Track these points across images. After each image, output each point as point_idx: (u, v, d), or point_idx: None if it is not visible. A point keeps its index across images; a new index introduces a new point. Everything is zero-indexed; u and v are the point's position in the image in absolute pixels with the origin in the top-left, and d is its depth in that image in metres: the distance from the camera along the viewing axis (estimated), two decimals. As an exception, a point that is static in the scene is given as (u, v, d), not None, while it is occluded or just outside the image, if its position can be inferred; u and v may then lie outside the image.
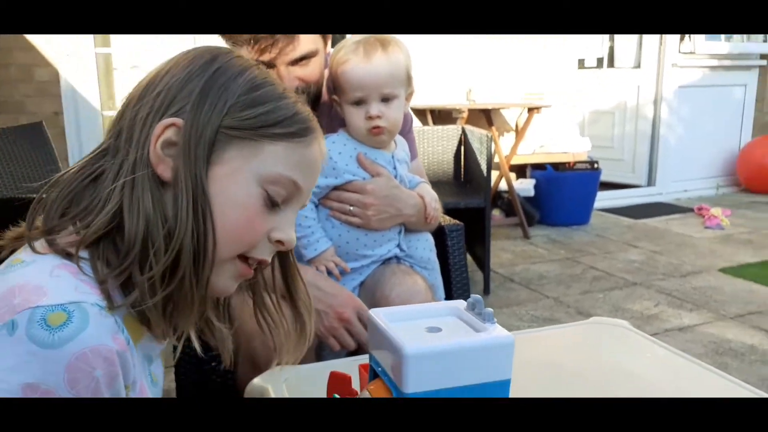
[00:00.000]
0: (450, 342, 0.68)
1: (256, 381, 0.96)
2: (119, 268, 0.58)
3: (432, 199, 1.35)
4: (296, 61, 1.19)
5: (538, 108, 3.62)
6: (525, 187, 3.89)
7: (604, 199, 4.36)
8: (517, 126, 4.11)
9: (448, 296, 1.54)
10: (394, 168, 1.32)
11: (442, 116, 3.70)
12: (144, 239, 0.59)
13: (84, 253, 0.59)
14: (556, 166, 3.91)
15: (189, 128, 0.61)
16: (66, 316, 0.52)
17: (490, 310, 0.71)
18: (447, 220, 1.61)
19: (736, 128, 5.01)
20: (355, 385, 0.80)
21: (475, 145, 2.89)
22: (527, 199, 3.90)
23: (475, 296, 0.73)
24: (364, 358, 0.98)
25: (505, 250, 3.41)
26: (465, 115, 3.53)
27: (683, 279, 2.93)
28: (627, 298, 2.69)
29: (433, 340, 0.69)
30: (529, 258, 3.28)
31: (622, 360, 1.00)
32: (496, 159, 3.59)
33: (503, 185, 3.76)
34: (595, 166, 3.95)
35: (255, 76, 0.65)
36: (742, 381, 1.91)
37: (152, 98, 0.63)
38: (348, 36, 1.30)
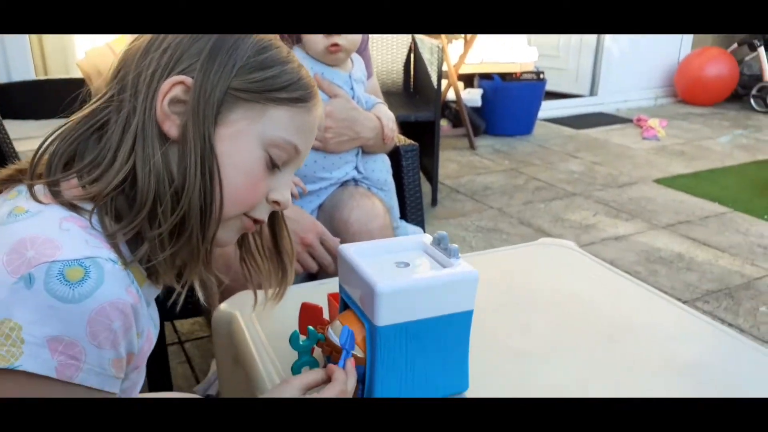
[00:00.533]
0: (418, 278, 0.72)
1: (223, 306, 0.99)
2: (130, 225, 0.59)
3: (389, 120, 1.36)
4: None
5: (487, 16, 3.56)
6: (472, 97, 3.90)
7: (547, 108, 4.43)
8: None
9: (402, 215, 1.59)
10: (352, 88, 1.31)
11: (390, 22, 3.60)
12: (154, 197, 0.59)
13: (89, 207, 0.59)
14: (503, 76, 3.92)
15: (198, 87, 0.61)
16: (83, 272, 0.53)
17: (456, 246, 0.75)
18: (402, 140, 1.62)
19: (677, 40, 5.10)
20: (325, 314, 0.84)
21: (426, 56, 2.86)
22: (474, 109, 3.93)
23: (440, 233, 0.77)
24: (330, 284, 1.02)
25: (452, 160, 3.47)
26: (414, 22, 3.45)
27: (620, 189, 3.07)
28: (567, 209, 2.81)
29: (402, 275, 0.73)
30: (474, 169, 3.35)
31: (569, 281, 1.07)
32: (444, 67, 3.56)
33: (451, 95, 3.76)
34: (541, 76, 3.98)
35: (262, 38, 0.65)
36: (669, 287, 2.05)
37: (159, 54, 0.62)
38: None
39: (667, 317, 0.98)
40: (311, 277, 1.27)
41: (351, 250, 0.76)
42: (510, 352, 0.87)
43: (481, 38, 3.71)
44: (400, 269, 0.74)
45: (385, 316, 0.69)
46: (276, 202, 0.68)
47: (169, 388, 1.48)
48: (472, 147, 3.69)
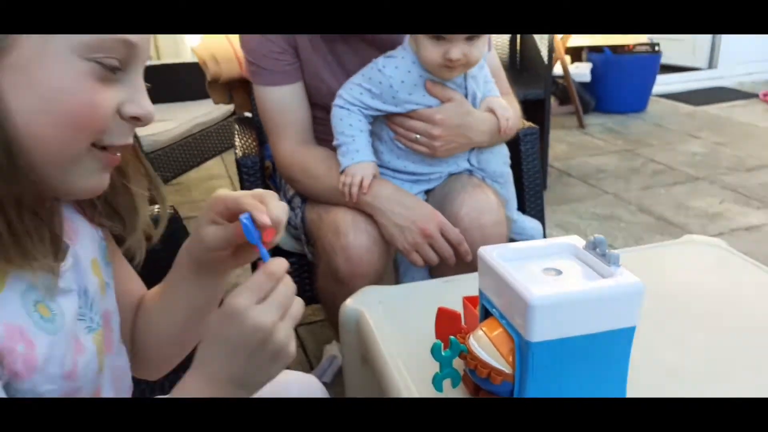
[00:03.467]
0: (577, 288, 0.65)
1: (350, 303, 0.95)
2: None
3: (504, 111, 1.22)
4: None
5: (600, -14, 3.34)
6: (581, 71, 3.70)
7: (660, 83, 4.13)
8: (574, 5, 3.84)
9: (520, 204, 1.50)
10: (466, 88, 1.19)
11: (496, -4, 3.46)
12: None
13: None
14: (615, 48, 3.69)
15: None
16: None
17: (617, 252, 0.67)
18: (521, 124, 1.53)
19: (814, 4, 4.61)
20: (462, 320, 0.79)
21: (536, 31, 2.72)
22: (583, 84, 3.73)
23: (598, 236, 0.69)
24: (462, 283, 0.96)
25: (560, 140, 3.31)
26: (522, -6, 3.29)
27: (749, 173, 2.81)
28: (690, 194, 2.61)
29: (558, 285, 0.66)
30: (585, 149, 3.18)
31: (725, 287, 0.96)
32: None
33: (557, 69, 3.58)
34: (656, 48, 3.71)
35: None
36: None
37: None
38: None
39: None
40: (431, 269, 1.22)
41: (494, 254, 0.70)
42: (665, 370, 0.78)
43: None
44: (553, 277, 0.67)
45: (540, 330, 0.63)
46: (135, 118, 0.54)
47: (284, 374, 1.48)
48: (581, 125, 3.50)
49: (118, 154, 0.56)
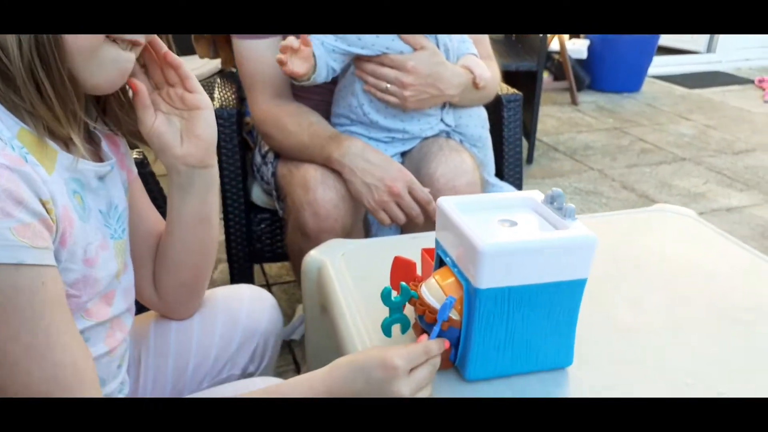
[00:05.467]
0: (528, 239, 0.65)
1: (313, 253, 0.95)
2: None
3: (480, 69, 1.21)
4: None
5: (601, -39, 3.30)
6: (578, 48, 3.67)
7: (657, 65, 4.10)
8: (574, -20, 3.79)
9: (499, 171, 1.50)
10: (437, 38, 1.18)
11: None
12: None
13: None
14: (613, 27, 3.65)
15: None
16: None
17: (572, 206, 0.67)
18: (504, 89, 1.52)
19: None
20: (418, 270, 0.79)
21: (531, 2, 2.68)
22: (578, 61, 3.70)
23: (555, 189, 0.69)
24: (425, 239, 0.96)
25: (551, 116, 3.29)
26: (521, -34, 3.25)
27: (735, 157, 2.81)
28: (674, 174, 2.61)
29: (509, 235, 0.66)
30: (575, 126, 3.17)
31: (688, 253, 0.96)
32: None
33: (554, 45, 3.55)
34: (655, 29, 3.68)
35: None
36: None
37: None
38: None
39: (805, 302, 0.86)
40: (402, 229, 1.22)
41: (451, 204, 0.70)
42: (618, 327, 0.79)
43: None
44: (507, 228, 0.67)
45: (487, 278, 0.63)
46: None
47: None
48: (574, 102, 3.48)
49: (133, 54, 0.65)
